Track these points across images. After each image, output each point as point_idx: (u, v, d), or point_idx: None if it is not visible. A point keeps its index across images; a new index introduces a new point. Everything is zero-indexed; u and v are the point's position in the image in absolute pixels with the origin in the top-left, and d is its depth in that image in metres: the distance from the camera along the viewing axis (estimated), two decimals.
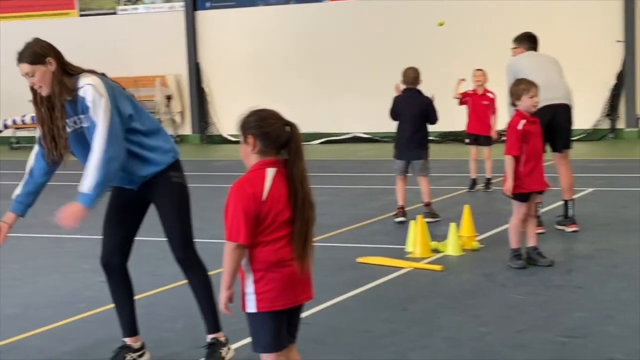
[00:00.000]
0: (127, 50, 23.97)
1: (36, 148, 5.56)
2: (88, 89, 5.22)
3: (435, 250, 8.88)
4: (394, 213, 10.80)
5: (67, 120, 5.33)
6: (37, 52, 5.23)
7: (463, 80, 13.46)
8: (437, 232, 9.57)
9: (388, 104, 10.94)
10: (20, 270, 8.70)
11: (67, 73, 5.28)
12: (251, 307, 4.22)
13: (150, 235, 9.60)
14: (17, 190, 5.58)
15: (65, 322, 6.86)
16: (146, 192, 5.57)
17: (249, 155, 4.25)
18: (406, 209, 10.76)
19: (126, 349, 5.73)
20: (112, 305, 7.24)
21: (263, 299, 4.19)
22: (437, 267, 8.20)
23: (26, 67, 5.20)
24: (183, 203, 5.62)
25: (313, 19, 22.91)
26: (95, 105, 5.21)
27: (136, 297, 7.43)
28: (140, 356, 5.76)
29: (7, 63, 24.36)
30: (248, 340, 5.91)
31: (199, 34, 24.09)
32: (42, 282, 8.28)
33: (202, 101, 24.18)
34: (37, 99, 5.34)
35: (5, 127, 22.04)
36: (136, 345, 5.76)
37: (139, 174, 5.48)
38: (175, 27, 24.00)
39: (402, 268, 8.24)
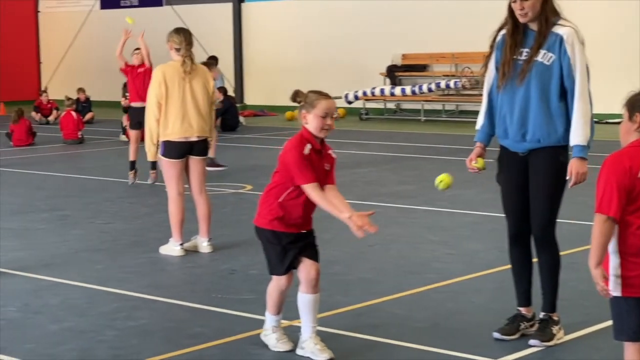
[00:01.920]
0: None
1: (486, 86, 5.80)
2: (571, 31, 5.51)
3: None
4: None
5: (522, 50, 5.57)
6: None
7: None
8: None
9: None
10: (371, 238, 8.94)
11: (553, 11, 5.55)
12: (616, 291, 4.08)
13: (495, 211, 9.62)
14: (480, 121, 5.84)
15: (415, 291, 7.02)
16: (529, 160, 5.63)
17: (630, 132, 4.14)
18: None
19: (520, 317, 5.83)
20: (463, 279, 7.38)
21: (630, 284, 4.05)
22: None
23: None
24: (559, 184, 5.63)
25: None
26: (575, 49, 5.49)
27: (484, 272, 7.53)
28: (531, 326, 5.82)
29: (355, 37, 24.90)
30: (602, 325, 5.78)
31: None
32: (393, 250, 8.52)
33: None
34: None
35: (356, 98, 22.84)
36: (529, 315, 5.84)
37: (539, 138, 5.55)
38: None
39: None
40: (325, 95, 5.36)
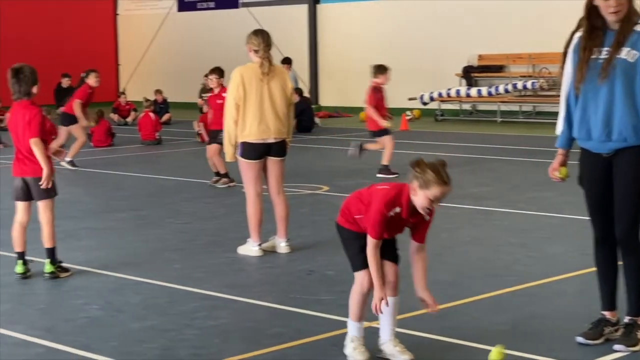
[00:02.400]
0: None
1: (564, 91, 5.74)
2: None
3: None
4: None
5: (601, 49, 5.49)
6: None
7: None
8: None
9: None
10: (450, 240, 8.95)
11: (635, 12, 5.47)
12: None
13: (576, 214, 9.49)
14: (560, 126, 5.77)
15: (496, 293, 6.95)
16: (614, 160, 5.54)
17: None
18: None
19: (604, 322, 5.74)
20: (543, 282, 7.29)
21: None
22: None
23: None
24: None
25: None
26: None
27: (565, 276, 7.43)
28: (616, 330, 5.71)
29: (430, 38, 24.68)
30: None
31: None
32: (472, 252, 8.46)
33: None
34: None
35: (431, 99, 22.76)
36: (614, 319, 5.75)
37: (626, 137, 5.46)
38: None
39: None
40: (444, 181, 5.12)
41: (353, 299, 5.51)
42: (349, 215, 5.45)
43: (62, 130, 15.41)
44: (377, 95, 13.44)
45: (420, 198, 5.15)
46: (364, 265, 5.40)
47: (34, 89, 7.62)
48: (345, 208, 5.50)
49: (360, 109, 24.27)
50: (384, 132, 13.50)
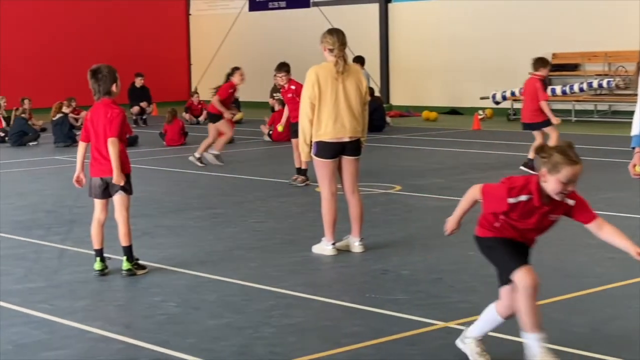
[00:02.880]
0: None
1: None
2: None
3: None
4: None
5: None
6: None
7: None
8: None
9: None
10: None
11: None
12: None
13: None
14: (637, 127, 5.69)
15: (574, 295, 6.85)
16: None
17: None
18: None
19: None
20: (623, 283, 7.16)
21: None
22: None
23: None
24: None
25: None
26: None
27: None
28: None
29: (503, 37, 24.43)
30: None
31: None
32: (548, 253, 8.27)
33: None
34: None
35: (504, 98, 22.54)
36: None
37: None
38: None
39: None
40: (573, 161, 4.88)
41: (524, 307, 5.12)
42: (487, 223, 5.22)
43: (211, 128, 15.58)
44: (544, 88, 13.50)
45: (551, 183, 4.91)
46: (518, 263, 5.12)
47: (114, 87, 7.72)
48: (482, 218, 5.27)
49: (432, 108, 24.22)
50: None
